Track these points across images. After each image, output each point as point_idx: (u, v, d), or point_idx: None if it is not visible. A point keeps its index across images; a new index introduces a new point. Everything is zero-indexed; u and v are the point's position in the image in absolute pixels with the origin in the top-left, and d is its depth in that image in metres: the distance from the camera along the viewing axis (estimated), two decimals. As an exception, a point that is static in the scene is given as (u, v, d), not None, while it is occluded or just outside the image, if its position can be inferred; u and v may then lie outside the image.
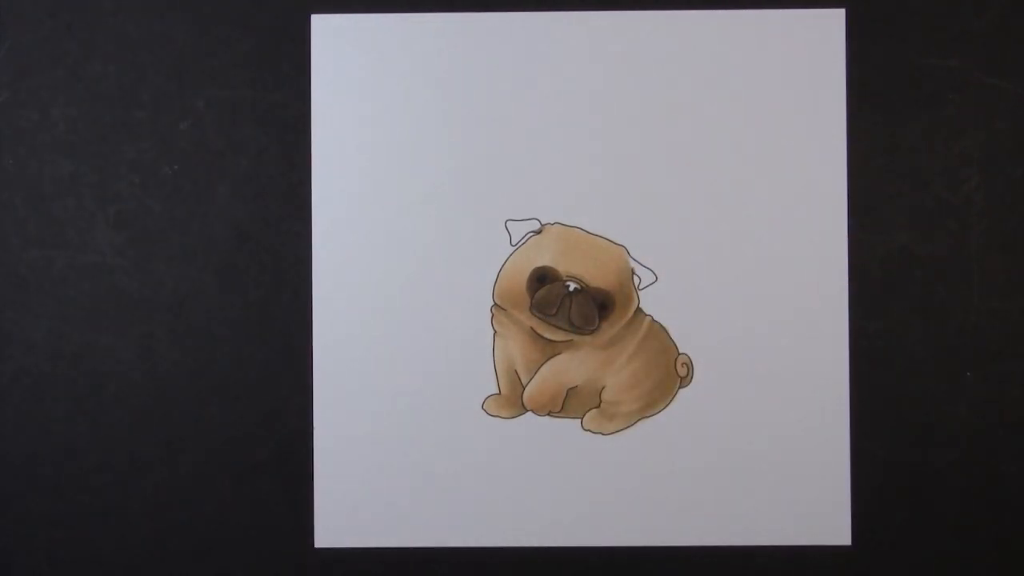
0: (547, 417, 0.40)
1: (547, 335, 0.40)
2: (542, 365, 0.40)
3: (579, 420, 0.40)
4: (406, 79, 0.40)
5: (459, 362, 0.40)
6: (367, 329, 0.40)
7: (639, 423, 0.40)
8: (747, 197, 0.39)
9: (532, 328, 0.40)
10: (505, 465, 0.40)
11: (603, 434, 0.40)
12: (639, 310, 0.40)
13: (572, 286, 0.40)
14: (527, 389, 0.40)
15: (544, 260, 0.40)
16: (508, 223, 0.40)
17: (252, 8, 0.40)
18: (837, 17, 0.40)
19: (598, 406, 0.40)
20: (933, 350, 0.39)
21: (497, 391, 0.40)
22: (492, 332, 0.40)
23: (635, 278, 0.40)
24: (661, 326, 0.40)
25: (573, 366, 0.40)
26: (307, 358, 0.40)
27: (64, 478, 0.40)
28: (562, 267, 0.40)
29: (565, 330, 0.40)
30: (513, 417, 0.40)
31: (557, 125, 0.40)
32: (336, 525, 0.40)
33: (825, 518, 0.39)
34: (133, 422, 0.40)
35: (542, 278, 0.40)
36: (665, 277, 0.40)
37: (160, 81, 0.40)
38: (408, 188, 0.40)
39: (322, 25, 0.40)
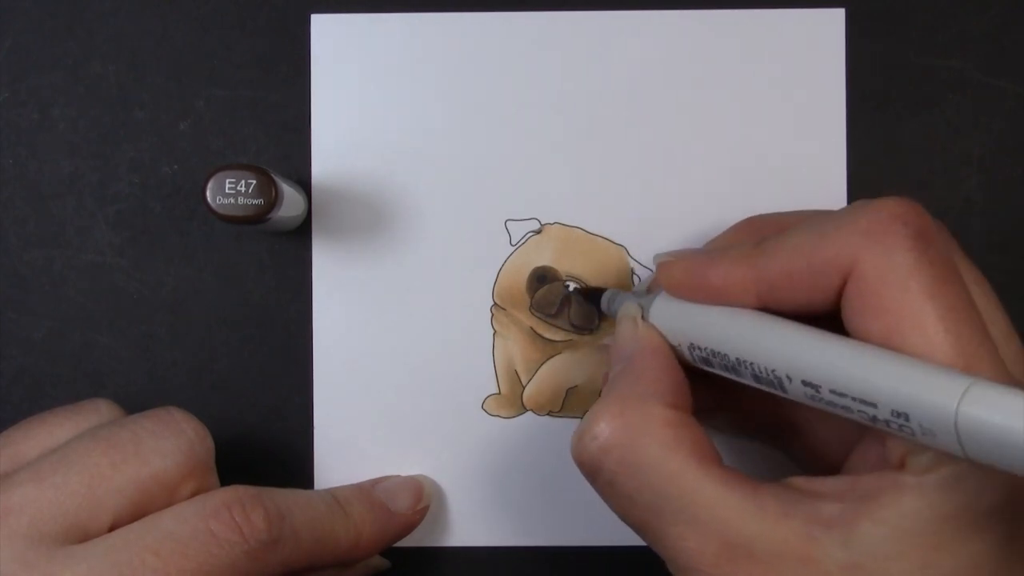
0: (547, 417, 0.40)
1: (547, 335, 0.40)
2: (542, 365, 0.40)
3: (579, 420, 0.40)
4: (406, 79, 0.40)
5: (459, 362, 0.40)
6: (367, 329, 0.40)
7: (639, 423, 0.40)
8: (747, 197, 0.39)
9: (532, 328, 0.40)
10: (505, 465, 0.40)
11: (603, 434, 0.40)
12: (639, 310, 0.40)
13: (572, 286, 0.40)
14: (527, 389, 0.40)
15: (544, 260, 0.40)
16: (508, 223, 0.40)
17: (252, 8, 0.40)
18: (837, 17, 0.40)
19: (598, 406, 0.40)
20: (933, 350, 0.39)
21: (497, 391, 0.40)
22: (492, 332, 0.40)
23: (635, 278, 0.40)
24: (661, 326, 0.40)
25: (573, 366, 0.40)
26: (307, 358, 0.40)
27: (64, 478, 0.40)
28: (562, 267, 0.40)
29: (565, 330, 0.40)
30: (513, 417, 0.40)
31: (558, 125, 0.40)
32: (336, 525, 0.40)
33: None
34: (133, 422, 0.39)
35: (542, 278, 0.40)
36: (665, 277, 0.40)
37: (160, 81, 0.40)
38: (408, 188, 0.40)
39: (322, 25, 0.40)
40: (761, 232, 0.33)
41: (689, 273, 0.31)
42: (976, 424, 0.23)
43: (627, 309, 0.34)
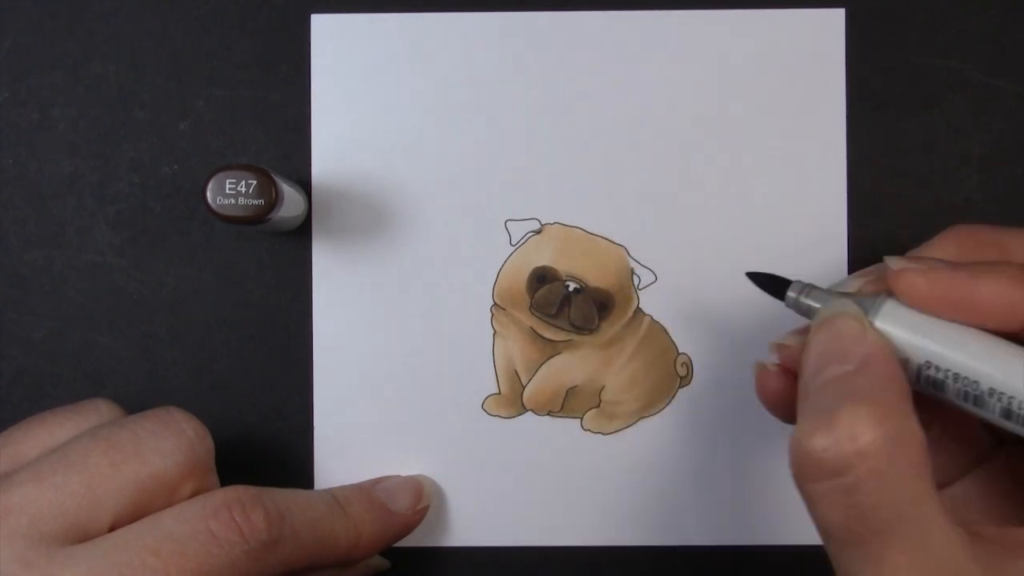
0: (547, 417, 0.40)
1: (547, 335, 0.40)
2: (542, 365, 0.40)
3: (579, 420, 0.40)
4: (406, 79, 0.40)
5: (459, 362, 0.40)
6: (367, 329, 0.40)
7: (639, 423, 0.40)
8: (747, 197, 0.39)
9: (532, 328, 0.40)
10: (505, 465, 0.40)
11: (603, 434, 0.40)
12: (639, 310, 0.40)
13: (572, 286, 0.40)
14: (527, 389, 0.40)
15: (544, 260, 0.40)
16: (508, 223, 0.40)
17: (252, 8, 0.40)
18: (837, 17, 0.40)
19: (598, 406, 0.40)
20: (933, 350, 0.39)
21: (497, 391, 0.40)
22: (492, 332, 0.40)
23: (635, 278, 0.40)
24: (661, 326, 0.40)
25: (573, 366, 0.40)
26: (307, 358, 0.40)
27: (64, 478, 0.40)
28: (562, 267, 0.40)
29: (565, 330, 0.40)
30: (513, 417, 0.40)
31: (557, 125, 0.40)
32: (336, 525, 0.40)
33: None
34: (133, 422, 0.39)
35: (542, 278, 0.40)
36: (665, 277, 0.40)
37: (160, 81, 0.40)
38: (408, 188, 0.40)
39: (322, 25, 0.40)
40: (979, 246, 0.30)
41: (945, 285, 0.29)
42: None
43: (845, 307, 0.30)
